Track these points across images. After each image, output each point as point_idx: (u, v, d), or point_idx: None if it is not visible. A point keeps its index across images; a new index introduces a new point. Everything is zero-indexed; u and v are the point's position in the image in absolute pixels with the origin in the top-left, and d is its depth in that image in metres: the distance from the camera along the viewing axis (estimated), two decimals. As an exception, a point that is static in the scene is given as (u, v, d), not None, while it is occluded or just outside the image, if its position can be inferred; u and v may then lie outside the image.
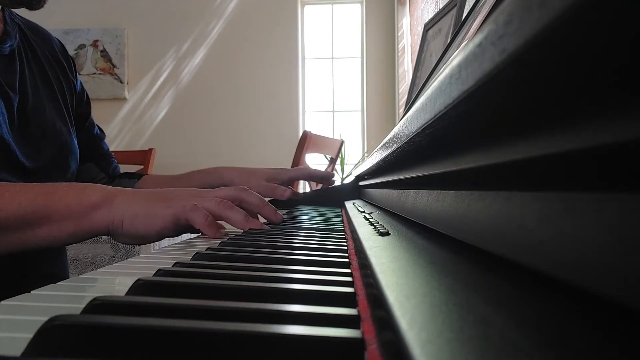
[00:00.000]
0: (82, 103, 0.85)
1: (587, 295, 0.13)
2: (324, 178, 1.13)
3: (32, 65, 0.74)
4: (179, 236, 0.60)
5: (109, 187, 0.57)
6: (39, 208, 0.52)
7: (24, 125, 0.68)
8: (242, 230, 0.60)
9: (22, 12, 0.76)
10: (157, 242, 0.57)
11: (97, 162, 0.88)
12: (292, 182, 1.01)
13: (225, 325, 0.19)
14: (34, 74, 0.73)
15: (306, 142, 1.97)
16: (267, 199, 0.90)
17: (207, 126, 3.75)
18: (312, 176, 1.10)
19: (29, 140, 0.69)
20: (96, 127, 0.90)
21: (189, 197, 0.56)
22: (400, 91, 3.42)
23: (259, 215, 0.64)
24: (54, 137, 0.73)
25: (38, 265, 0.71)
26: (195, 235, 0.61)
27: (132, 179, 0.92)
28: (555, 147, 0.15)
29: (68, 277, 0.79)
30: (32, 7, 0.70)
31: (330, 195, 1.34)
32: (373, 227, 0.49)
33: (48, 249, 0.55)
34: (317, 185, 2.13)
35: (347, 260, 0.38)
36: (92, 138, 0.88)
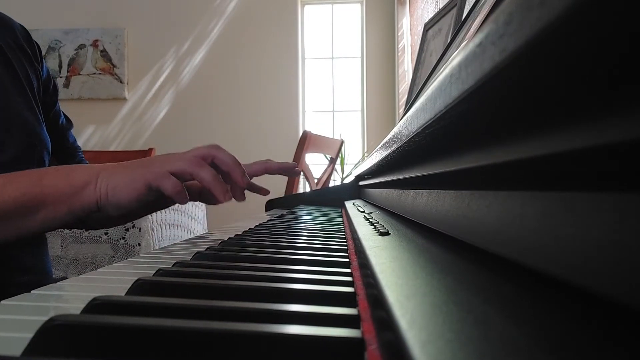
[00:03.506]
0: (48, 91, 0.81)
1: (587, 295, 0.13)
2: (284, 169, 1.01)
3: None
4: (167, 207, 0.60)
5: (93, 165, 0.59)
6: (32, 197, 0.53)
7: None
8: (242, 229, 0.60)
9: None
10: (157, 242, 0.58)
11: (60, 158, 0.84)
12: (251, 178, 0.93)
13: (225, 325, 0.19)
14: None
15: (306, 141, 1.97)
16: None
17: (207, 126, 3.75)
18: (269, 169, 0.97)
19: None
20: (62, 117, 0.86)
21: (163, 162, 0.57)
22: (400, 91, 3.42)
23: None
24: (21, 127, 0.71)
25: (19, 259, 0.70)
26: (195, 235, 0.61)
27: None
28: (555, 147, 0.15)
29: (50, 270, 0.79)
30: None
31: (330, 195, 1.34)
32: (373, 227, 0.49)
33: (44, 232, 0.57)
34: (316, 185, 2.13)
35: (347, 260, 0.38)
36: (58, 129, 0.84)
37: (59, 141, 0.85)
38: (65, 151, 0.86)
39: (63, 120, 0.86)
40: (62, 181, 0.55)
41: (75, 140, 0.90)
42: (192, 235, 0.57)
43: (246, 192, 0.84)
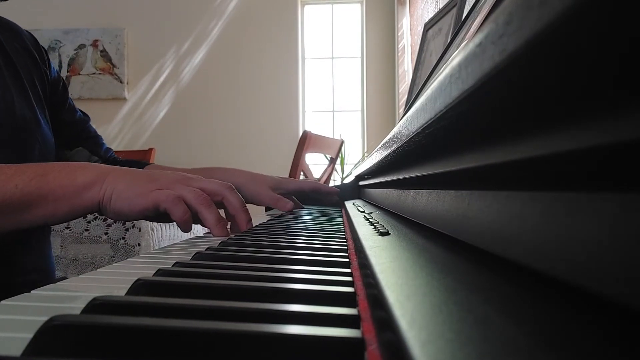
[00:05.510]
0: (57, 90, 0.85)
1: (587, 295, 0.13)
2: (329, 193, 1.13)
3: None
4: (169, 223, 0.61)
5: (102, 165, 0.58)
6: (34, 190, 0.53)
7: None
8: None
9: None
10: (157, 242, 0.58)
11: (86, 146, 0.88)
12: (296, 192, 1.03)
13: (225, 325, 0.19)
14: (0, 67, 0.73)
15: (306, 141, 1.97)
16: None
17: (207, 126, 3.75)
18: (317, 190, 1.09)
19: None
20: (78, 112, 0.90)
21: (175, 182, 0.56)
22: (400, 91, 3.42)
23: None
24: (18, 125, 0.72)
25: (22, 259, 0.71)
26: (195, 235, 0.61)
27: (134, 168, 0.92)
28: (555, 147, 0.15)
29: (54, 270, 0.79)
30: None
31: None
32: (373, 226, 0.49)
33: (42, 226, 0.57)
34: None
35: (347, 260, 0.38)
36: (76, 122, 0.88)
37: (82, 132, 0.89)
38: (89, 140, 0.90)
39: (80, 115, 0.90)
40: (67, 179, 0.55)
41: (95, 130, 0.93)
42: (192, 236, 0.58)
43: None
